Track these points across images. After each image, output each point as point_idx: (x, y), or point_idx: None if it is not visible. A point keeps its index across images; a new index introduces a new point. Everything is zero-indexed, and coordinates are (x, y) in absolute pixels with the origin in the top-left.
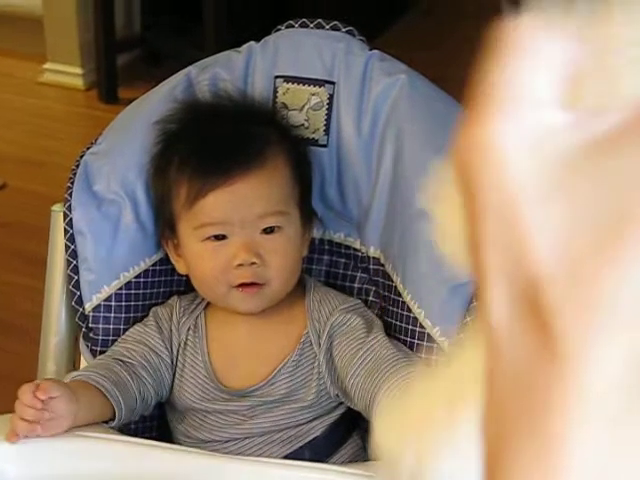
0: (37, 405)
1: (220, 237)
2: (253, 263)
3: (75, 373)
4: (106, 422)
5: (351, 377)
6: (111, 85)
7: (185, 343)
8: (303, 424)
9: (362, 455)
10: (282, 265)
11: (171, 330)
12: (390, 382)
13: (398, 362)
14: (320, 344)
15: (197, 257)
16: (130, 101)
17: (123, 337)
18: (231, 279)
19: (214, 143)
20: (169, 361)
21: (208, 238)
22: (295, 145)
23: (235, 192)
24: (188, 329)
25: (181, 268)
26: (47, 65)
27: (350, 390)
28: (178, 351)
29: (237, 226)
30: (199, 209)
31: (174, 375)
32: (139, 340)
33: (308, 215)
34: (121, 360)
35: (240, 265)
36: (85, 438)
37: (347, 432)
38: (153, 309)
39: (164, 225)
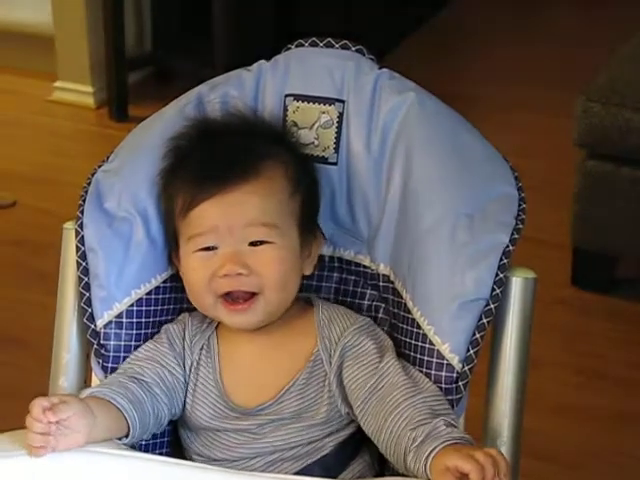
0: (43, 420)
1: (210, 248)
2: (239, 274)
3: (91, 389)
4: (119, 439)
5: (362, 403)
6: (122, 103)
7: (198, 362)
8: (315, 441)
9: (370, 472)
10: (274, 273)
11: (184, 348)
12: (398, 410)
13: (408, 391)
14: (331, 363)
15: (189, 269)
16: (141, 119)
17: (135, 354)
18: (216, 288)
19: (212, 155)
20: (182, 379)
21: (199, 250)
22: (301, 163)
23: (224, 202)
24: (201, 348)
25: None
26: (58, 83)
27: (359, 414)
28: (191, 370)
29: (226, 235)
30: (191, 219)
31: (186, 393)
32: (152, 358)
33: (311, 233)
34: (136, 378)
35: (226, 275)
36: (97, 454)
37: (356, 449)
38: (165, 327)
39: (171, 240)
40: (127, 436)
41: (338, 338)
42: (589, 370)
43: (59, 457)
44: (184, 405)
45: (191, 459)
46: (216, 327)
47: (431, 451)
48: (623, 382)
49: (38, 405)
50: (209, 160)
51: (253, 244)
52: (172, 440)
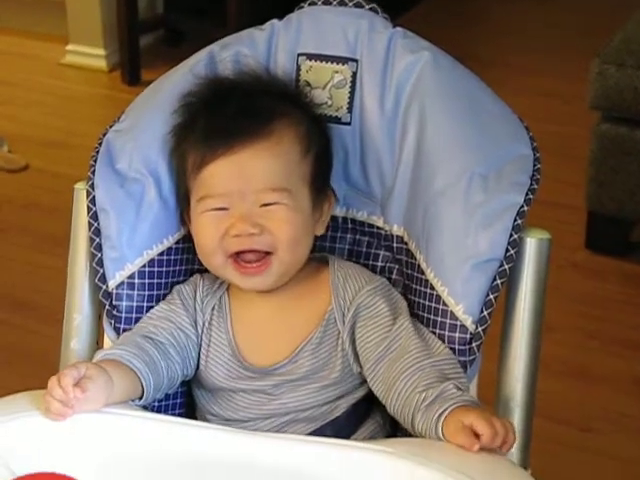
0: (70, 394)
1: (221, 209)
2: (252, 234)
3: (107, 351)
4: (132, 400)
5: (373, 365)
6: (134, 66)
7: (210, 322)
8: (329, 402)
9: (381, 433)
10: (288, 232)
11: (195, 309)
12: (407, 372)
13: (419, 354)
14: (344, 322)
15: (199, 228)
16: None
17: (149, 315)
18: (226, 247)
19: (223, 113)
20: (195, 339)
21: (209, 210)
22: (314, 123)
23: (235, 163)
24: (212, 308)
25: None
26: (70, 47)
27: (369, 376)
28: (203, 330)
29: (237, 198)
30: (202, 180)
31: (199, 354)
32: (166, 318)
33: (323, 194)
34: (150, 338)
35: (237, 235)
36: (111, 415)
37: (368, 410)
38: (176, 287)
39: (182, 199)
40: (141, 398)
41: (352, 297)
42: (603, 334)
43: (73, 417)
44: (198, 365)
45: (205, 419)
46: (227, 287)
47: (443, 411)
48: (636, 346)
49: (70, 375)
50: (220, 119)
51: (265, 205)
52: (186, 401)
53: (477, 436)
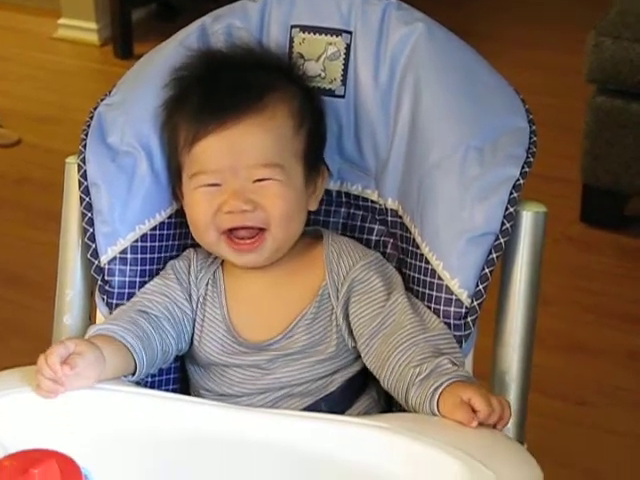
0: (58, 372)
1: (213, 185)
2: (244, 210)
3: (99, 326)
4: (125, 376)
5: (366, 340)
6: (126, 40)
7: (204, 297)
8: (324, 377)
9: (376, 408)
10: (281, 208)
11: (189, 284)
12: (401, 348)
13: (413, 329)
14: (338, 297)
15: (192, 204)
16: None
17: (143, 290)
18: (219, 223)
19: (215, 88)
20: (190, 314)
21: (202, 186)
22: (307, 96)
23: (227, 138)
24: (207, 283)
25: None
26: (62, 20)
27: (363, 351)
28: (197, 305)
29: (229, 174)
30: (194, 156)
31: (194, 328)
32: (161, 292)
33: (316, 169)
34: (145, 312)
35: (230, 212)
36: (104, 391)
37: (363, 385)
38: (170, 262)
39: (175, 174)
40: (134, 374)
41: (346, 272)
42: (598, 307)
43: (65, 394)
44: (192, 340)
45: (199, 395)
46: (222, 262)
47: (438, 386)
48: (632, 319)
49: (56, 354)
50: (211, 93)
51: (258, 180)
52: (180, 377)
53: (475, 412)
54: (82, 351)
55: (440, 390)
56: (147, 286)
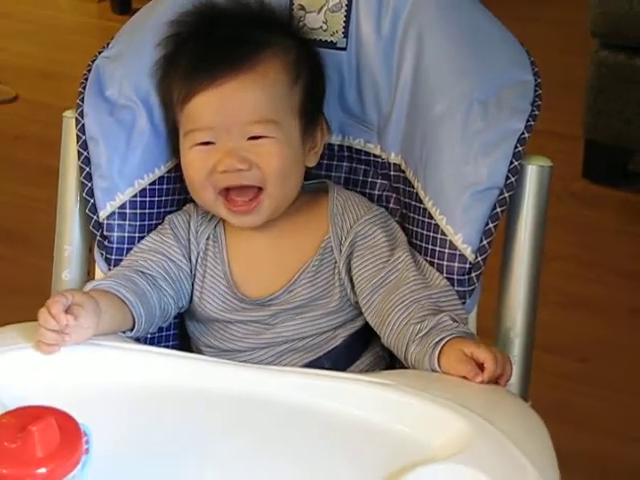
0: (62, 321)
1: (207, 143)
2: (239, 169)
3: (96, 282)
4: (123, 332)
5: (368, 295)
6: None
7: (205, 253)
8: (327, 331)
9: (381, 364)
10: (275, 167)
11: (189, 239)
12: (402, 304)
13: (415, 286)
14: (341, 250)
15: (187, 163)
16: None
17: (139, 246)
18: (215, 182)
19: (207, 45)
20: (188, 271)
21: (197, 144)
22: (304, 49)
23: (220, 95)
24: (207, 238)
25: None
26: None
27: (364, 307)
28: (197, 260)
29: (223, 132)
30: (187, 114)
31: (193, 285)
32: (157, 250)
33: (315, 124)
34: (141, 272)
35: (225, 171)
36: (102, 347)
37: (367, 341)
38: (168, 217)
39: (172, 132)
40: (132, 329)
41: (350, 226)
42: (599, 264)
43: (64, 350)
44: (191, 297)
45: (199, 351)
46: None
47: (439, 341)
48: (634, 276)
49: (59, 303)
50: (204, 50)
51: (252, 138)
52: (179, 333)
53: (479, 367)
54: (80, 301)
55: (440, 345)
56: (143, 242)
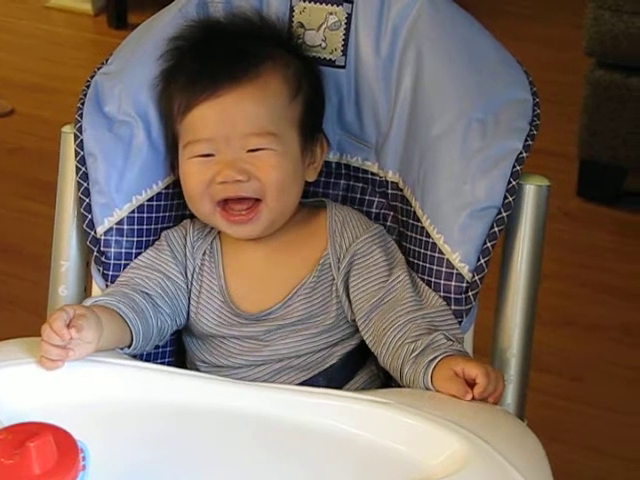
0: (66, 336)
1: (207, 155)
2: (238, 180)
3: (95, 298)
4: (121, 349)
5: (365, 314)
6: (120, 10)
7: (201, 268)
8: (323, 349)
9: (376, 382)
10: (276, 178)
11: (185, 255)
12: (398, 324)
13: (411, 306)
14: (339, 268)
15: (186, 175)
16: None
17: (136, 262)
18: (213, 194)
19: (209, 57)
20: (185, 287)
21: (196, 156)
22: (305, 66)
23: (220, 107)
24: (203, 253)
25: None
26: None
27: (362, 325)
28: (193, 276)
29: (222, 144)
30: (187, 125)
31: (189, 300)
32: (153, 267)
33: (314, 138)
34: (139, 290)
35: (224, 182)
36: (98, 363)
37: (362, 360)
38: (164, 232)
39: (171, 144)
40: (129, 346)
41: (349, 244)
42: (594, 283)
43: (65, 366)
44: (188, 313)
45: (195, 367)
46: (219, 232)
47: (431, 360)
48: (628, 295)
49: (60, 318)
50: (205, 62)
51: (252, 150)
52: (175, 349)
53: (469, 385)
54: (83, 314)
55: (433, 364)
56: (140, 258)
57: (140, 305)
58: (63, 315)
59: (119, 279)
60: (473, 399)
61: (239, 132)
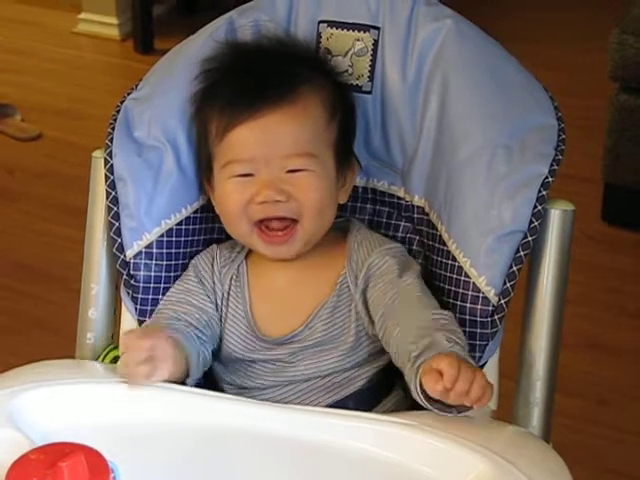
0: (144, 345)
1: (246, 175)
2: (277, 201)
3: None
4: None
5: (380, 316)
6: (147, 35)
7: (228, 293)
8: (348, 370)
9: (403, 404)
10: (313, 200)
11: (214, 282)
12: (403, 325)
13: (417, 307)
14: (357, 284)
15: (224, 195)
16: (166, 52)
17: (168, 298)
18: (252, 214)
19: (247, 78)
20: (216, 315)
21: (235, 176)
22: (338, 89)
23: (261, 128)
24: (231, 279)
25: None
26: (82, 15)
27: (378, 331)
28: (222, 302)
29: (262, 164)
30: (226, 146)
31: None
32: (185, 301)
33: (347, 162)
34: (183, 321)
35: (263, 202)
36: (126, 384)
37: (390, 382)
38: (192, 262)
39: (204, 166)
40: (187, 376)
41: (364, 259)
42: (617, 307)
43: (91, 387)
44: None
45: (221, 389)
46: (246, 255)
47: (423, 361)
48: None
49: (133, 337)
50: (243, 83)
51: (291, 171)
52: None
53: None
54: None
55: (424, 364)
56: (171, 293)
57: (187, 336)
58: (133, 332)
59: (154, 316)
60: (447, 392)
61: (279, 153)
